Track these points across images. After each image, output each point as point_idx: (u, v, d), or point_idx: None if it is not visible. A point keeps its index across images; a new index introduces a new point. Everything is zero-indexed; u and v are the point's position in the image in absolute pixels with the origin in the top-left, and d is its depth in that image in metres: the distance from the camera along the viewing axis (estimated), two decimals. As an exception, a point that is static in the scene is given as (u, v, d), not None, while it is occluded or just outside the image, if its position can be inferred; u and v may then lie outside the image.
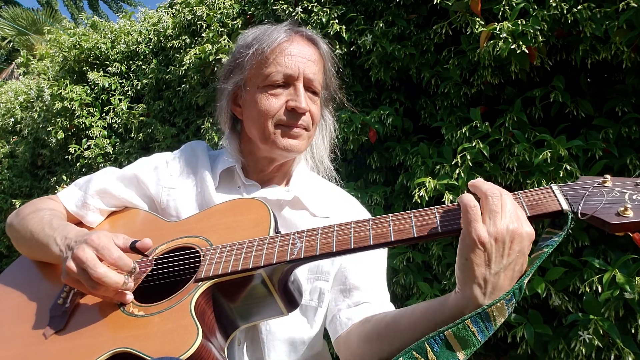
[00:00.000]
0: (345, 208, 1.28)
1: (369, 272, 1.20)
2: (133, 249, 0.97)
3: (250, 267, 0.90)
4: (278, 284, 0.93)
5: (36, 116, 4.79)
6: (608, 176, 0.80)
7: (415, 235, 0.83)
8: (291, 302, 0.97)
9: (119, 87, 4.21)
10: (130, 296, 0.95)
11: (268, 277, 0.91)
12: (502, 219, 0.75)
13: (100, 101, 4.30)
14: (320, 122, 1.27)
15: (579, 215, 0.77)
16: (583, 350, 1.75)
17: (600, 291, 1.74)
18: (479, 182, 0.80)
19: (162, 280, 1.01)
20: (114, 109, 4.11)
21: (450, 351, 0.75)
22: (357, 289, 1.16)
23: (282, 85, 1.14)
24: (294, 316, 1.05)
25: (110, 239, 0.95)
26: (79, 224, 1.20)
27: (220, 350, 0.90)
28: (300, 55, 1.15)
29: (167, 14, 3.92)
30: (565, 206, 0.78)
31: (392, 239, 0.84)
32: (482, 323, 0.75)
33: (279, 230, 1.01)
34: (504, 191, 0.78)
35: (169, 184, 1.22)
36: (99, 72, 4.28)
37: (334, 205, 1.26)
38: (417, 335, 0.82)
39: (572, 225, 0.77)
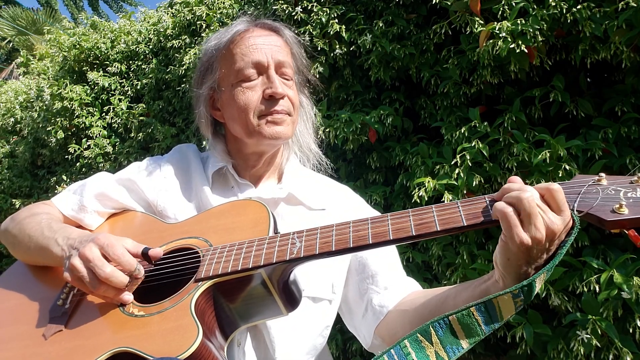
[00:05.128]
0: (340, 197, 1.30)
1: (385, 253, 1.22)
2: (144, 255, 0.97)
3: (250, 266, 0.90)
4: (278, 283, 0.93)
5: (36, 116, 4.78)
6: (603, 174, 0.81)
7: (414, 234, 0.83)
8: (291, 301, 0.97)
9: (119, 87, 4.21)
10: (130, 296, 0.96)
11: (268, 277, 0.92)
12: (540, 220, 0.76)
13: (100, 101, 4.29)
14: (300, 108, 1.27)
15: (575, 212, 0.78)
16: (582, 350, 1.75)
17: (598, 291, 1.75)
18: (508, 186, 0.81)
19: (162, 281, 1.01)
20: (113, 108, 4.10)
21: (454, 337, 0.75)
22: (379, 274, 1.18)
23: (254, 77, 1.14)
24: (304, 309, 1.05)
25: (118, 240, 0.96)
26: (78, 227, 1.20)
27: (220, 350, 0.91)
28: (265, 43, 1.15)
29: (167, 13, 3.92)
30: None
31: (391, 238, 0.84)
32: (487, 313, 0.75)
33: (278, 231, 1.01)
34: (530, 188, 0.79)
35: (164, 187, 1.23)
36: (99, 72, 4.27)
37: (328, 196, 1.27)
38: None
39: (578, 223, 0.78)
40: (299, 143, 1.31)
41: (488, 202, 0.83)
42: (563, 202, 0.77)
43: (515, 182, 0.82)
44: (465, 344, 0.75)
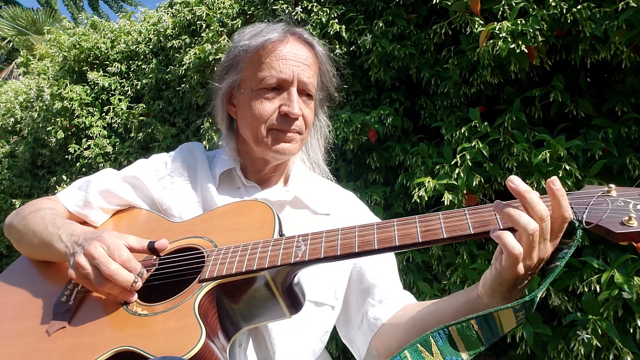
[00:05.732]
0: (345, 203, 1.30)
1: (382, 265, 1.22)
2: (151, 249, 0.97)
3: (255, 268, 0.90)
4: (282, 286, 0.93)
5: (36, 116, 4.79)
6: (612, 185, 0.80)
7: (420, 241, 0.83)
8: (294, 304, 0.97)
9: (119, 87, 4.21)
10: (134, 295, 0.96)
11: (272, 279, 0.91)
12: (536, 253, 0.77)
13: (100, 101, 4.29)
14: (315, 122, 1.27)
15: (584, 224, 0.77)
16: (582, 350, 1.76)
17: (598, 291, 1.75)
18: (513, 213, 0.78)
19: (166, 280, 1.02)
20: (113, 108, 4.11)
21: (454, 349, 0.75)
22: (376, 286, 1.18)
23: (275, 88, 1.13)
24: (306, 312, 1.05)
25: (121, 239, 0.96)
26: (83, 223, 1.20)
27: (222, 351, 0.91)
28: (295, 59, 1.14)
29: (167, 13, 3.92)
30: (571, 215, 0.78)
31: (397, 244, 0.84)
32: (487, 326, 0.75)
33: (283, 233, 1.01)
34: (541, 215, 0.77)
35: (170, 185, 1.23)
36: (99, 72, 4.28)
37: (333, 201, 1.27)
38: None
39: (580, 234, 0.77)
40: (307, 153, 1.31)
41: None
42: (563, 230, 0.78)
43: (516, 183, 0.79)
44: (465, 356, 0.75)
